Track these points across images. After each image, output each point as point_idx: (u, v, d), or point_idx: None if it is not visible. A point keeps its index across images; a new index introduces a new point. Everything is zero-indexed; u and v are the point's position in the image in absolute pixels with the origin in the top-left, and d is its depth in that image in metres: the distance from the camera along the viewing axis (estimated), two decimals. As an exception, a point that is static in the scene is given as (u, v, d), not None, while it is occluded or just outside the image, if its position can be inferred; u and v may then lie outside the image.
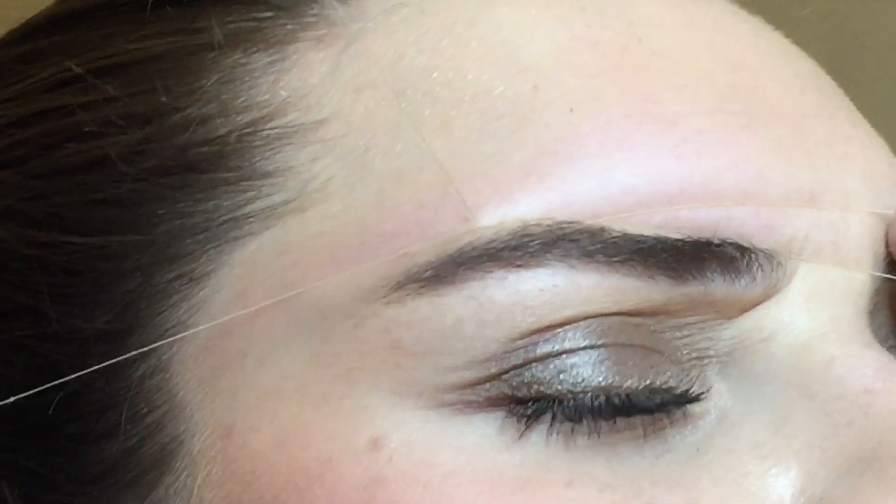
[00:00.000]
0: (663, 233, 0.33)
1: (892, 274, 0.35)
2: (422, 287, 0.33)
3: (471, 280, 0.33)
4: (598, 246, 0.33)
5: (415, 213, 0.34)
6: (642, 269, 0.33)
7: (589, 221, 0.33)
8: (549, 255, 0.33)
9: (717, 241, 0.33)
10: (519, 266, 0.33)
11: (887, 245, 0.35)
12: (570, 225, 0.33)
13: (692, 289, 0.33)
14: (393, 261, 0.33)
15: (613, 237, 0.33)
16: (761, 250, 0.34)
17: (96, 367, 0.35)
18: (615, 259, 0.33)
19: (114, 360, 0.35)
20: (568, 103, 0.34)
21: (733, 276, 0.34)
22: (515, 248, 0.33)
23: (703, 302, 0.34)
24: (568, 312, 0.33)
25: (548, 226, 0.33)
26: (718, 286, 0.34)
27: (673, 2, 0.38)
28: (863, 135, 0.38)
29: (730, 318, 0.34)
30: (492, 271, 0.33)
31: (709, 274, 0.33)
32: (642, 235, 0.33)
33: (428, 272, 0.33)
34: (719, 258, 0.33)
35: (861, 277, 0.35)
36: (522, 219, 0.33)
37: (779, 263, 0.34)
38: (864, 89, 0.40)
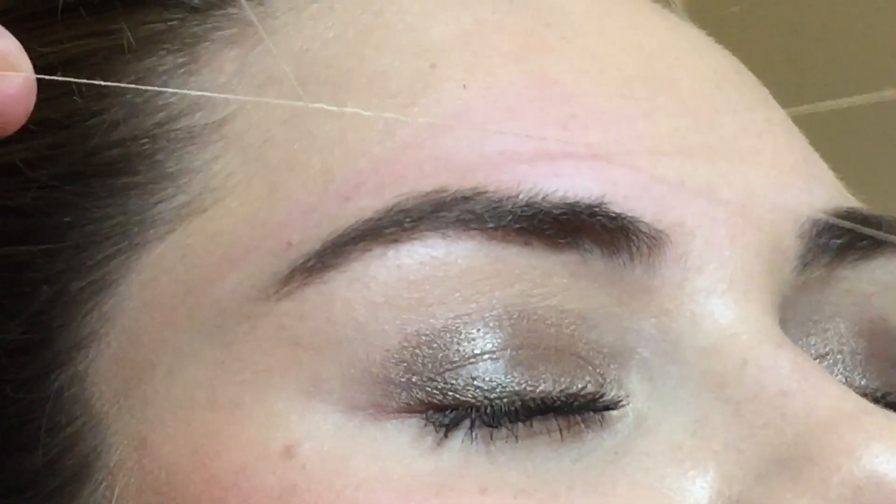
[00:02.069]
0: (540, 199, 0.33)
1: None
2: (307, 276, 0.33)
3: (353, 262, 0.33)
4: (471, 214, 0.33)
5: (302, 201, 0.33)
6: (517, 235, 0.33)
7: (459, 186, 0.33)
8: (423, 226, 0.33)
9: (590, 206, 0.33)
10: (395, 241, 0.33)
11: None
12: (441, 193, 0.33)
13: (568, 257, 0.33)
14: (280, 254, 0.33)
15: (486, 203, 0.33)
16: (640, 228, 0.33)
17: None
18: (490, 226, 0.33)
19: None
20: (463, 80, 0.34)
21: (611, 250, 0.33)
22: (391, 223, 0.33)
23: (587, 276, 0.33)
24: (452, 283, 0.32)
25: (419, 196, 0.33)
26: (596, 259, 0.33)
27: None
28: (778, 131, 0.37)
29: (628, 304, 0.34)
30: (371, 249, 0.33)
31: (585, 245, 0.33)
32: (515, 200, 0.33)
33: (311, 260, 0.33)
34: (593, 227, 0.33)
35: (763, 273, 0.34)
36: (398, 192, 0.33)
37: (659, 243, 0.33)
38: (817, 88, 0.40)
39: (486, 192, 0.33)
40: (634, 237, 0.33)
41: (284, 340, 0.33)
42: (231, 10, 0.36)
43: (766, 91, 0.39)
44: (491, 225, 0.33)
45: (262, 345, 0.33)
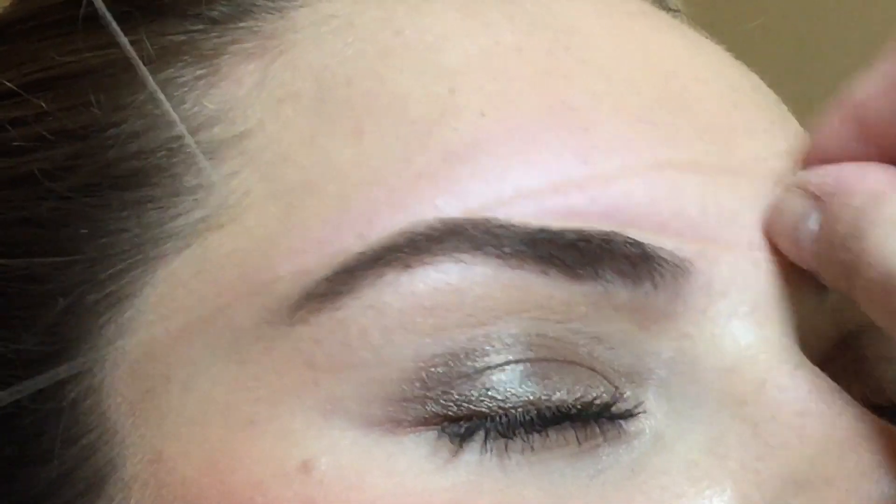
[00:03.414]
0: (554, 224, 0.33)
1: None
2: (321, 303, 0.33)
3: (366, 288, 0.32)
4: (485, 237, 0.32)
5: (316, 228, 0.33)
6: (534, 263, 0.32)
7: (472, 214, 0.33)
8: (437, 252, 0.32)
9: (610, 236, 0.33)
10: (408, 267, 0.32)
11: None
12: (455, 220, 0.33)
13: (590, 288, 0.33)
14: (294, 279, 0.33)
15: (499, 226, 0.32)
16: (664, 256, 0.33)
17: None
18: (505, 250, 0.32)
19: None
20: (481, 107, 0.34)
21: (634, 281, 0.33)
22: (403, 249, 0.32)
23: (608, 308, 0.33)
24: (467, 310, 0.32)
25: (433, 224, 0.33)
26: (619, 289, 0.33)
27: (605, 13, 0.37)
28: (797, 151, 0.37)
29: (646, 329, 0.33)
30: (383, 275, 0.32)
31: (607, 275, 0.33)
32: (528, 224, 0.32)
33: (324, 287, 0.33)
34: (615, 257, 0.33)
35: (787, 297, 0.34)
36: (411, 221, 0.33)
37: (682, 272, 0.33)
38: (821, 98, 0.40)
39: (497, 219, 0.33)
40: (658, 266, 0.33)
41: (300, 362, 0.33)
42: (251, 24, 0.36)
43: (783, 106, 0.39)
44: (507, 249, 0.32)
45: (278, 365, 0.33)
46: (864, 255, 0.31)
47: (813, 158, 0.35)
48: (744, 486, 0.32)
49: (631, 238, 0.33)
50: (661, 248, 0.33)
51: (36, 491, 0.35)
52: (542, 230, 0.32)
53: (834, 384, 0.33)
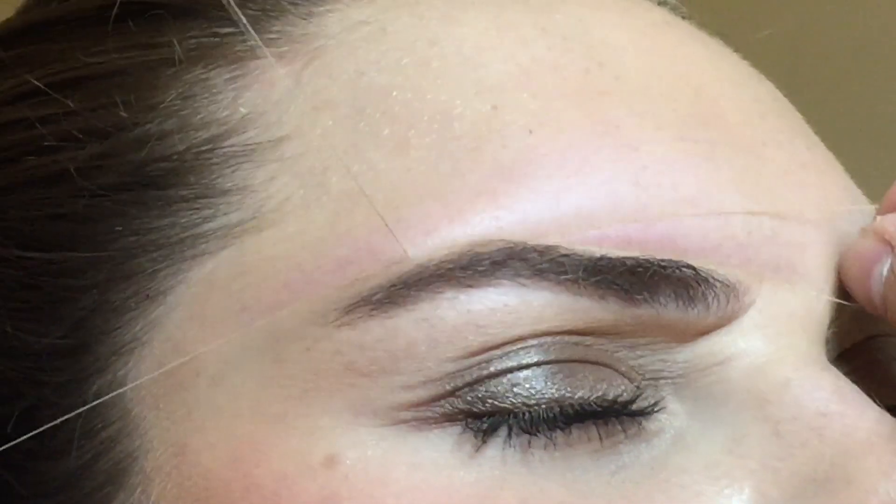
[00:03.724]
0: (614, 253, 0.33)
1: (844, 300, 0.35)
2: (373, 310, 0.33)
3: (421, 301, 0.33)
4: (548, 264, 0.33)
5: (367, 237, 0.34)
6: (593, 289, 0.33)
7: (538, 241, 0.33)
8: (499, 274, 0.33)
9: (667, 263, 0.33)
10: (469, 286, 0.33)
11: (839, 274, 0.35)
12: (520, 244, 0.33)
13: (643, 312, 0.33)
14: (345, 286, 0.33)
15: (563, 255, 0.33)
16: (717, 279, 0.34)
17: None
18: (566, 277, 0.33)
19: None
20: (527, 125, 0.34)
21: (686, 302, 0.34)
22: (465, 267, 0.33)
23: (654, 325, 0.34)
24: (519, 331, 0.33)
25: (497, 245, 0.33)
26: (671, 312, 0.34)
27: (632, 26, 0.38)
28: (819, 159, 0.38)
29: (683, 342, 0.34)
30: (442, 291, 0.33)
31: (661, 299, 0.33)
32: (592, 254, 0.33)
33: (378, 295, 0.33)
34: (672, 282, 0.33)
35: (818, 308, 0.35)
36: (472, 239, 0.33)
37: (734, 294, 0.34)
38: (820, 109, 0.40)
39: (560, 246, 0.33)
40: (711, 291, 0.34)
41: (339, 365, 0.33)
42: (281, 27, 0.36)
43: (797, 113, 0.40)
44: (567, 276, 0.33)
45: (316, 366, 0.33)
46: None
47: (891, 205, 0.36)
48: (763, 486, 0.33)
49: (686, 263, 0.33)
50: (714, 272, 0.34)
51: (56, 483, 0.35)
52: (602, 258, 0.33)
53: (855, 386, 0.34)
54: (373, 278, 0.33)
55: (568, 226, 0.33)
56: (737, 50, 0.40)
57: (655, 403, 0.34)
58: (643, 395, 0.34)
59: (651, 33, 0.38)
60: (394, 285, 0.33)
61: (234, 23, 0.36)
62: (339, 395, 0.33)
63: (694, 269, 0.34)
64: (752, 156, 0.36)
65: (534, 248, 0.33)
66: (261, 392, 0.34)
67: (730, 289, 0.34)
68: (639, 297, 0.33)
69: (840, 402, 0.34)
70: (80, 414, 0.35)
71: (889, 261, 0.34)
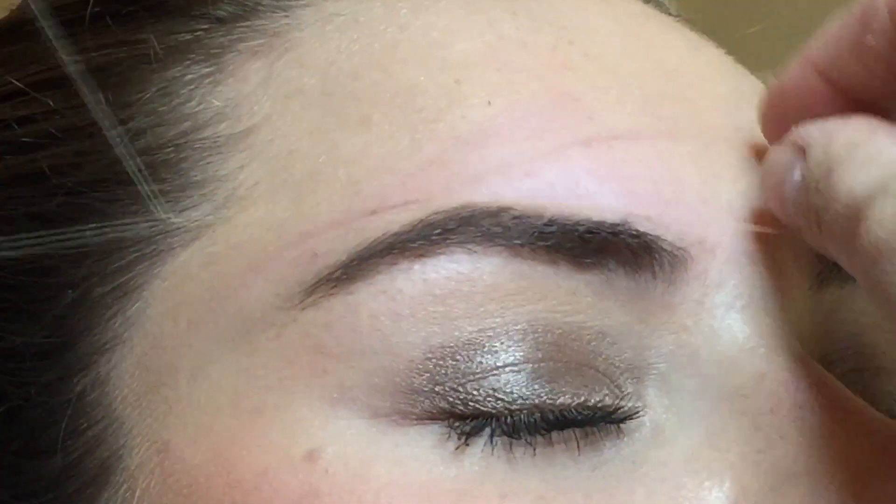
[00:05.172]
0: (565, 216, 0.33)
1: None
2: (333, 287, 0.33)
3: (379, 274, 0.33)
4: (498, 229, 0.33)
5: (327, 213, 0.34)
6: (544, 253, 0.33)
7: (486, 204, 0.33)
8: (449, 241, 0.33)
9: (615, 225, 0.33)
10: (422, 255, 0.33)
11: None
12: (468, 209, 0.33)
13: (593, 277, 0.33)
14: (305, 264, 0.34)
15: (514, 218, 0.33)
16: (662, 245, 0.34)
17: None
18: (516, 241, 0.33)
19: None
20: (487, 96, 0.35)
21: (634, 269, 0.33)
22: (417, 237, 0.33)
23: (610, 296, 0.34)
24: (478, 299, 0.33)
25: (448, 213, 0.33)
26: (620, 278, 0.33)
27: (609, 13, 0.38)
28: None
29: (647, 321, 0.34)
30: (397, 263, 0.33)
31: (609, 264, 0.33)
32: (540, 216, 0.33)
33: (338, 272, 0.33)
34: (618, 246, 0.33)
35: (788, 291, 0.35)
36: (425, 208, 0.33)
37: (681, 261, 0.34)
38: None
39: (511, 209, 0.33)
40: (657, 255, 0.34)
41: (309, 349, 0.33)
42: (257, 22, 0.37)
43: None
44: (517, 241, 0.33)
45: (287, 352, 0.33)
46: (830, 192, 0.31)
47: (775, 96, 0.35)
48: (743, 478, 0.33)
49: (635, 229, 0.33)
50: (661, 239, 0.34)
51: (41, 483, 0.35)
52: (551, 222, 0.33)
53: (832, 377, 0.34)
54: (331, 254, 0.33)
55: (517, 188, 0.33)
56: (724, 45, 0.40)
57: (636, 408, 0.34)
58: (624, 395, 0.34)
59: (629, 21, 0.38)
60: (351, 260, 0.33)
61: (210, 20, 0.37)
62: (316, 383, 0.33)
63: (641, 234, 0.33)
64: (720, 139, 0.36)
65: (485, 212, 0.33)
66: (238, 385, 0.34)
67: (676, 257, 0.34)
68: (587, 260, 0.33)
69: (818, 394, 0.33)
70: (65, 413, 0.35)
71: (799, 166, 0.33)
